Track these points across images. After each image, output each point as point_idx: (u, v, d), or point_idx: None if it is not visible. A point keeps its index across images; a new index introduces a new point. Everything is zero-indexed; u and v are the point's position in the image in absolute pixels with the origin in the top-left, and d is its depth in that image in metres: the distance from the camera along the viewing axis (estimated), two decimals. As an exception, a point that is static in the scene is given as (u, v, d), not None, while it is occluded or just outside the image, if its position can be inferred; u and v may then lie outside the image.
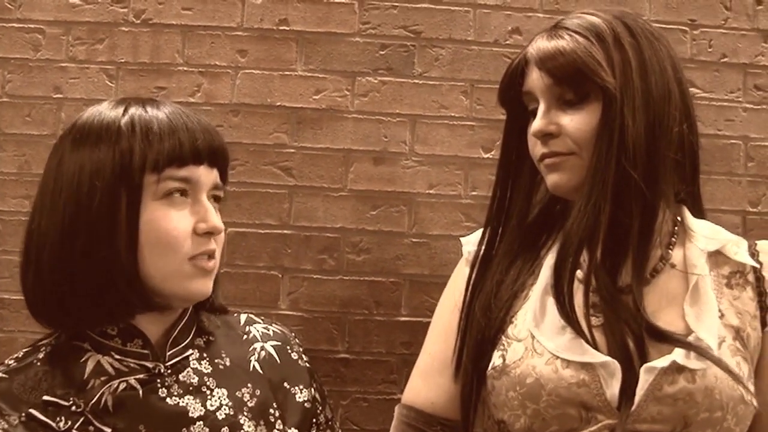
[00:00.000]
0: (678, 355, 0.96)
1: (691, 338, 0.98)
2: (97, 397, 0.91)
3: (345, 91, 1.77)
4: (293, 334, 1.13)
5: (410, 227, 1.76)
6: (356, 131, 1.77)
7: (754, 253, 1.07)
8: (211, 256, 0.97)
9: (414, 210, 1.76)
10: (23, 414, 0.89)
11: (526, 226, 1.13)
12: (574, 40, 1.02)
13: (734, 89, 1.80)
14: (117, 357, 0.94)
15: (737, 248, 1.07)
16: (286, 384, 1.05)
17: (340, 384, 1.72)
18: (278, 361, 1.06)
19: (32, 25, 1.76)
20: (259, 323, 1.11)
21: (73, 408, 0.90)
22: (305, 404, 1.05)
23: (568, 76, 1.01)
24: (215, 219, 0.96)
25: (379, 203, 1.76)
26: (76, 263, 0.90)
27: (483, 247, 1.14)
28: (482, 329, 1.07)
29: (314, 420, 1.07)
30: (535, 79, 1.05)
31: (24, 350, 0.98)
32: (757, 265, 1.06)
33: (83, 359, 0.94)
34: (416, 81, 1.79)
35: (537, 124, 1.04)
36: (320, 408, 1.09)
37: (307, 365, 1.10)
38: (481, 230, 1.16)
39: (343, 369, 1.72)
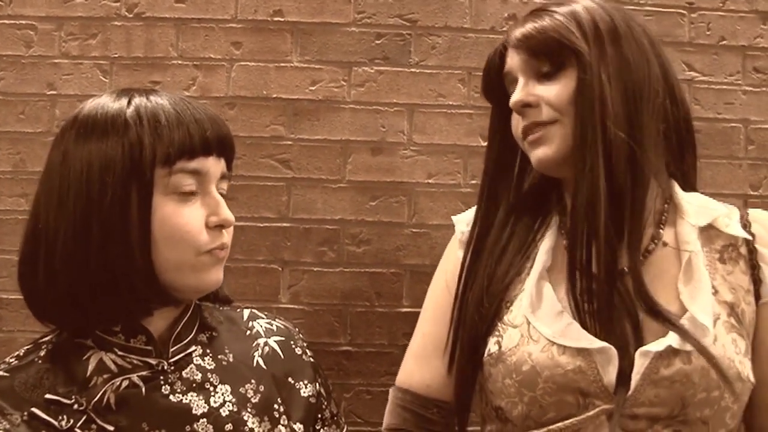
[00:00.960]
0: (673, 338, 0.96)
1: (686, 317, 0.97)
2: (99, 394, 0.90)
3: (341, 82, 1.76)
4: (297, 329, 1.12)
5: (410, 217, 1.75)
6: (353, 122, 1.76)
7: (746, 224, 1.07)
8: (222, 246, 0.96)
9: (413, 200, 1.75)
10: (25, 413, 0.88)
11: (517, 214, 1.13)
12: (550, 17, 1.04)
13: (733, 72, 1.79)
14: (120, 353, 0.93)
15: (729, 220, 1.06)
16: (290, 379, 1.04)
17: (342, 377, 1.71)
18: (282, 356, 1.05)
19: (24, 21, 1.74)
20: (263, 318, 1.10)
21: (76, 406, 0.89)
22: (310, 399, 1.05)
23: (543, 46, 1.03)
24: (226, 211, 0.95)
25: (378, 194, 1.75)
26: (91, 261, 0.88)
27: (473, 241, 1.13)
28: (475, 324, 1.07)
29: (319, 415, 1.06)
30: (512, 58, 1.07)
31: (25, 348, 0.96)
32: (750, 237, 1.05)
33: (86, 357, 0.93)
34: (413, 70, 1.77)
35: (515, 96, 1.05)
36: (325, 403, 1.08)
37: (312, 360, 1.09)
38: (473, 209, 1.17)
39: (345, 362, 1.72)
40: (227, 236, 0.97)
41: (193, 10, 1.76)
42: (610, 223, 0.99)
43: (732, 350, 0.98)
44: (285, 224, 1.74)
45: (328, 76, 1.76)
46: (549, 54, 1.03)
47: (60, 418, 0.88)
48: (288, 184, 1.75)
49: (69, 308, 0.91)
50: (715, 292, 1.01)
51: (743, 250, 1.05)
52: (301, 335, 1.11)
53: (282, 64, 1.76)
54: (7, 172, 1.72)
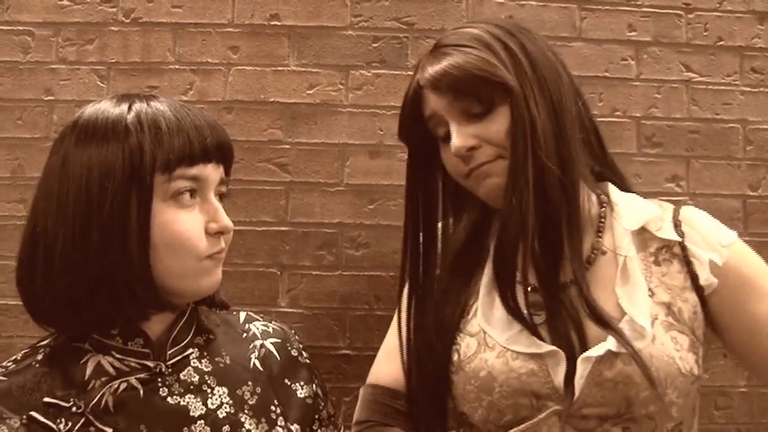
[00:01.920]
0: (612, 343, 0.99)
1: (625, 320, 1.01)
2: (97, 397, 0.90)
3: (339, 85, 1.76)
4: (293, 330, 1.12)
5: (408, 220, 1.75)
6: (351, 125, 1.75)
7: (677, 223, 1.10)
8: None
9: (412, 203, 1.75)
10: (24, 416, 0.88)
11: (456, 253, 1.16)
12: (463, 52, 1.03)
13: (731, 72, 1.79)
14: (118, 356, 0.93)
15: (661, 222, 1.09)
16: (286, 380, 1.04)
17: (342, 380, 1.70)
18: (278, 358, 1.05)
19: (21, 27, 1.74)
20: (259, 321, 1.10)
21: (74, 409, 0.89)
22: (306, 400, 1.05)
23: (469, 86, 1.02)
24: (225, 218, 0.95)
25: (377, 197, 1.75)
26: (90, 266, 0.88)
27: (414, 289, 1.16)
28: (430, 372, 1.09)
29: (316, 416, 1.06)
30: (434, 100, 1.06)
31: (22, 352, 0.97)
32: (680, 239, 1.08)
33: (83, 360, 0.93)
34: (410, 73, 1.75)
35: (455, 142, 1.04)
36: (322, 404, 1.08)
37: (308, 361, 1.09)
38: None
39: (344, 365, 1.71)
40: (224, 243, 0.97)
41: (190, 14, 1.76)
42: (543, 246, 1.01)
43: (671, 348, 1.01)
44: (283, 228, 1.74)
45: (325, 79, 1.76)
46: (476, 92, 1.02)
47: (58, 421, 0.88)
48: (286, 188, 1.75)
49: (67, 312, 0.90)
50: (652, 294, 1.04)
51: (677, 249, 1.08)
52: (297, 337, 1.11)
53: (279, 68, 1.76)
54: (5, 178, 1.72)
